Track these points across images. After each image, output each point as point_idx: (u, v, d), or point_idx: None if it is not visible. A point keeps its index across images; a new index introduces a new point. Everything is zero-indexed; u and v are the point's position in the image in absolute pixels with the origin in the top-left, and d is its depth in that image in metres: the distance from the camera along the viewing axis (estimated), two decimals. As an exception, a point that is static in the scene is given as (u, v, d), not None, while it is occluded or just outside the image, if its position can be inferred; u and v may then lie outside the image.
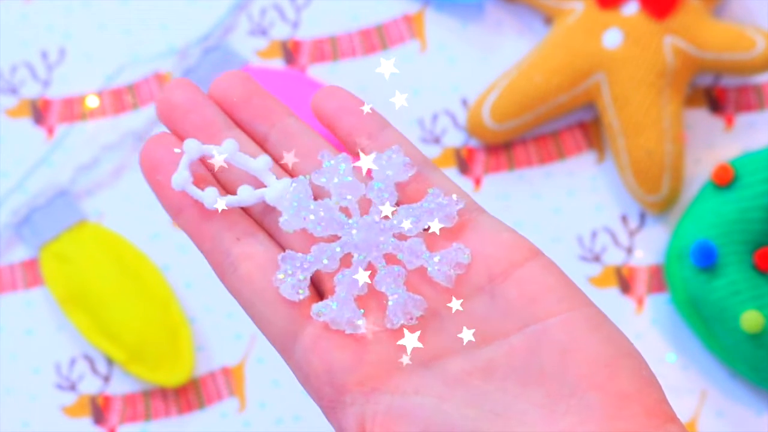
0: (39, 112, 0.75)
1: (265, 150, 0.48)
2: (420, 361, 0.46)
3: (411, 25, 0.76)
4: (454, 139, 0.74)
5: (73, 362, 0.71)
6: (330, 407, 0.47)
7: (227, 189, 0.48)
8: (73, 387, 0.71)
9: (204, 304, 0.72)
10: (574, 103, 0.73)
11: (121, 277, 0.71)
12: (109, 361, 0.71)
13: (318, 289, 0.48)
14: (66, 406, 0.71)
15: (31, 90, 0.75)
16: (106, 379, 0.71)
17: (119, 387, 0.71)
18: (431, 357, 0.46)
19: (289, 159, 0.47)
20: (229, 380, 0.71)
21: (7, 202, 0.73)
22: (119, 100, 0.75)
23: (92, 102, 0.75)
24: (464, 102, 0.75)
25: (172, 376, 0.70)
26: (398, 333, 0.46)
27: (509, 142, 0.74)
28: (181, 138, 0.48)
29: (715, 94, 0.75)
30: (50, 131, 0.75)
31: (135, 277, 0.71)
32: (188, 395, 0.71)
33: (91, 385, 0.71)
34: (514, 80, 0.72)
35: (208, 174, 0.48)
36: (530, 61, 0.73)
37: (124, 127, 0.74)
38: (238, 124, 0.49)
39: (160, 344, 0.70)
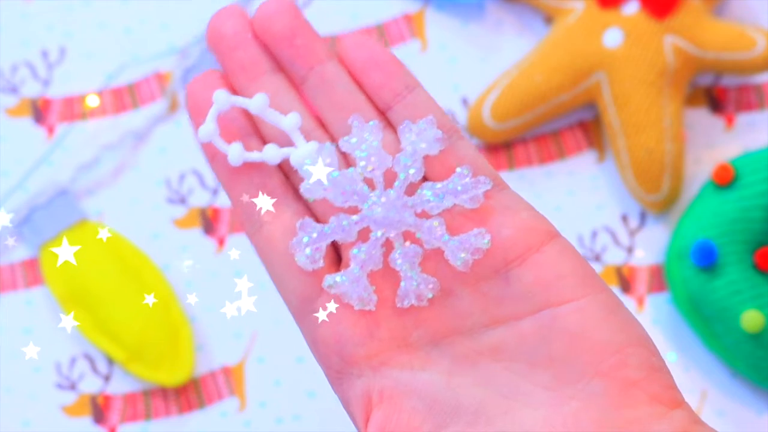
0: (39, 111, 0.75)
1: (302, 94, 0.48)
2: (430, 339, 0.46)
3: (411, 25, 0.76)
4: (455, 138, 0.74)
5: (73, 361, 0.71)
6: (337, 377, 0.47)
7: (264, 136, 0.48)
8: (73, 386, 0.71)
9: (204, 304, 0.72)
10: (574, 102, 0.73)
11: (121, 277, 0.71)
12: (110, 361, 0.71)
13: (338, 253, 0.47)
14: (66, 406, 0.71)
15: (32, 89, 0.75)
16: (107, 378, 0.71)
17: (119, 386, 0.71)
18: (441, 335, 0.46)
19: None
20: (230, 380, 0.71)
21: (8, 201, 0.73)
22: (120, 99, 0.75)
23: (92, 101, 0.75)
24: (465, 101, 0.75)
25: (172, 376, 0.70)
26: (410, 310, 0.46)
27: (510, 141, 0.74)
28: (224, 74, 0.48)
29: (716, 94, 0.75)
30: (50, 130, 0.75)
31: (135, 276, 0.71)
32: (188, 395, 0.71)
33: (91, 385, 0.71)
34: (515, 80, 0.72)
35: (245, 122, 0.48)
36: (531, 60, 0.73)
37: (124, 126, 0.74)
38: (279, 61, 0.48)
39: (160, 343, 0.70)
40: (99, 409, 0.71)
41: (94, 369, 0.71)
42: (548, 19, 0.76)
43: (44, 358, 0.71)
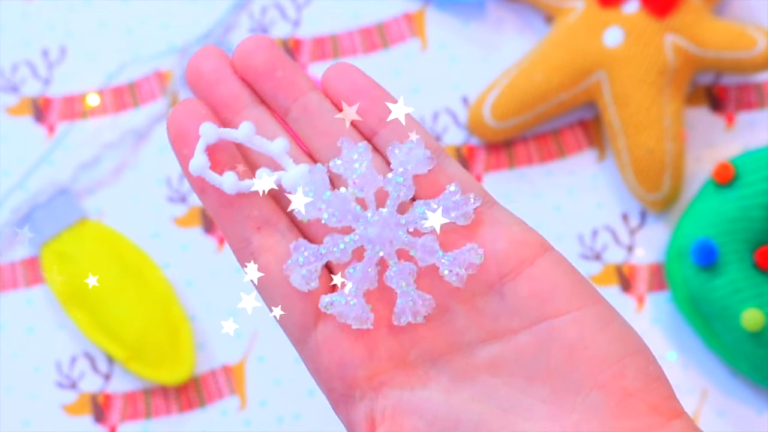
0: (40, 110, 0.75)
1: (286, 125, 0.48)
2: (428, 357, 0.46)
3: (412, 24, 0.76)
4: (455, 137, 0.74)
5: (73, 360, 0.71)
6: (339, 401, 0.47)
7: (252, 165, 0.48)
8: (73, 385, 0.71)
9: (204, 303, 0.72)
10: (574, 101, 0.73)
11: (121, 276, 0.71)
12: (110, 360, 0.71)
13: (332, 275, 0.48)
14: (67, 405, 0.71)
15: (32, 88, 0.75)
16: (107, 377, 0.71)
17: (120, 385, 0.71)
18: (439, 353, 0.47)
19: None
20: (230, 378, 0.71)
21: (8, 200, 0.73)
22: (120, 98, 0.75)
23: (93, 100, 0.75)
24: (465, 100, 0.75)
25: (172, 375, 0.70)
26: (407, 328, 0.46)
27: (510, 140, 0.74)
28: (208, 106, 0.48)
29: (716, 93, 0.75)
30: (51, 129, 0.75)
31: (136, 275, 0.71)
32: (189, 393, 0.71)
33: (91, 384, 0.71)
34: (515, 78, 0.72)
35: (233, 150, 0.48)
36: (531, 59, 0.73)
37: (124, 125, 0.74)
38: (261, 96, 0.48)
39: (160, 342, 0.70)
40: (99, 408, 0.71)
41: (95, 368, 0.71)
42: (549, 19, 0.76)
43: (45, 357, 0.71)
